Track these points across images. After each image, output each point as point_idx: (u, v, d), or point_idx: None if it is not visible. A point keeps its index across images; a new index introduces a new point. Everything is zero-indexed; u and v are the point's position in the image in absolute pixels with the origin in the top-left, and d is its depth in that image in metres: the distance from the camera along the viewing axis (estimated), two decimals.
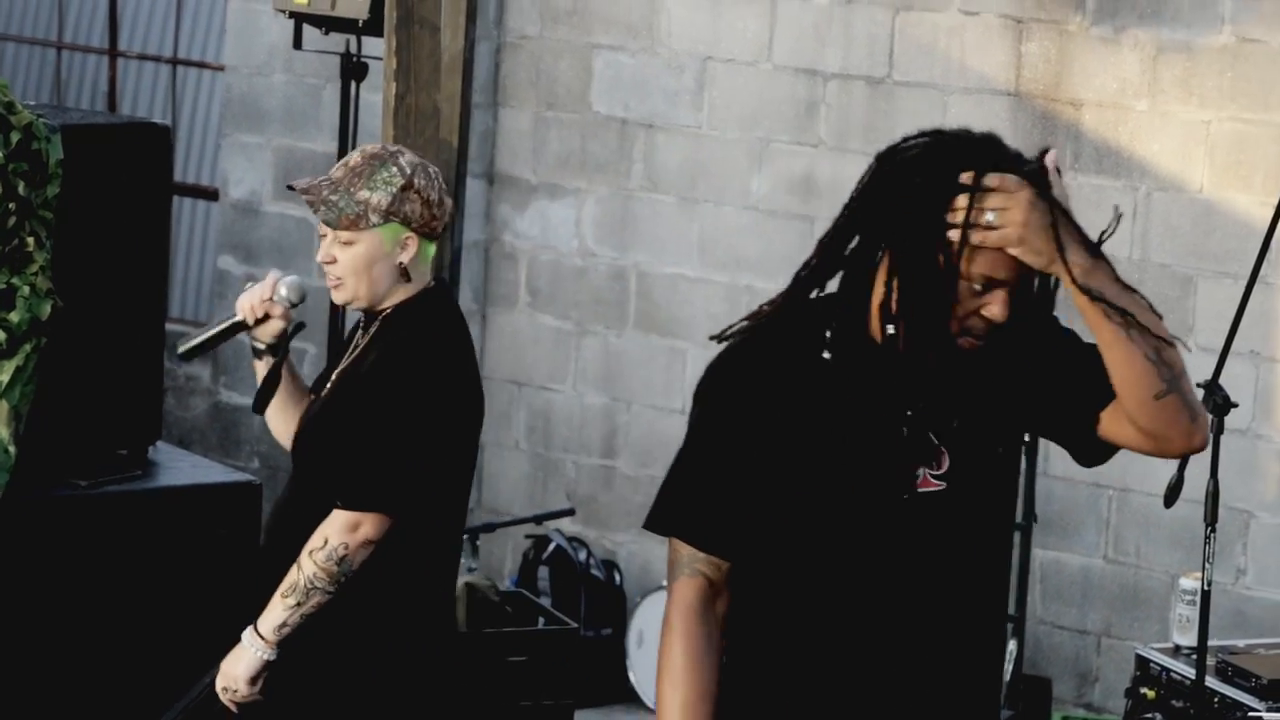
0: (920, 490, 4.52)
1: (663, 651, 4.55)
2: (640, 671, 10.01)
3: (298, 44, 7.71)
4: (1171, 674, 8.07)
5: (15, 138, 6.60)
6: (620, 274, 10.55)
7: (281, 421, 6.06)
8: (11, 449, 6.56)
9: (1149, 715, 8.13)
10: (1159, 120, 9.34)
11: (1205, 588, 7.88)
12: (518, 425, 10.89)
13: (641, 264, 10.45)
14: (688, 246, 10.31)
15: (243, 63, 11.33)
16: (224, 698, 5.81)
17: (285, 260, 11.30)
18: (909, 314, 4.39)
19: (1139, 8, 9.34)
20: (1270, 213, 7.86)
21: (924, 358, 4.41)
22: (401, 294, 5.85)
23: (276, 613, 5.76)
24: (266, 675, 5.76)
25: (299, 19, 7.55)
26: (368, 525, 5.73)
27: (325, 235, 5.79)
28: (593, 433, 10.61)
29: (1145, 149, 9.36)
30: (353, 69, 7.56)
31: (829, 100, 10.04)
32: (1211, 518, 7.76)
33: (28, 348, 6.61)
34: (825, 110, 10.05)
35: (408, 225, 5.77)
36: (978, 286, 4.36)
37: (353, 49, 7.52)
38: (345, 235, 5.77)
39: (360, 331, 5.92)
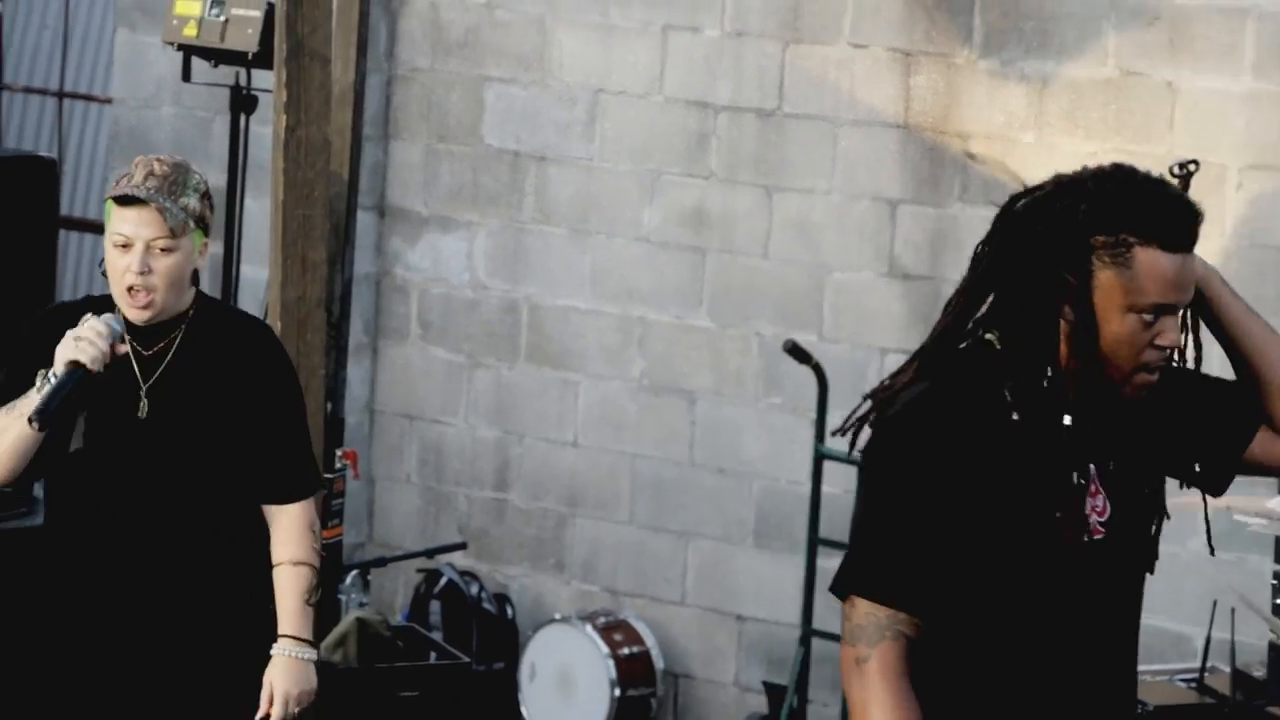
0: (1095, 539, 4.56)
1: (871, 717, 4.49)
2: (532, 705, 9.99)
3: (186, 76, 7.67)
4: None
5: None
6: (512, 306, 10.53)
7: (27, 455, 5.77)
8: None
9: None
10: (1045, 152, 9.36)
11: None
12: (409, 458, 10.85)
13: (533, 296, 10.44)
14: (579, 278, 10.30)
15: (130, 95, 11.26)
16: (291, 711, 5.88)
17: None
18: (1096, 362, 4.46)
19: (1025, 41, 9.37)
20: None
21: (1112, 405, 4.49)
22: (189, 298, 5.83)
23: (305, 615, 5.92)
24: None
25: (188, 52, 7.52)
26: (315, 505, 5.93)
27: (130, 245, 5.67)
28: (485, 465, 10.59)
29: (1032, 180, 9.37)
30: (242, 101, 7.53)
31: (719, 133, 10.04)
32: None
33: None
34: (716, 142, 10.05)
35: (205, 232, 5.75)
36: (1149, 317, 4.41)
37: (242, 81, 7.49)
38: (166, 243, 5.69)
39: (138, 342, 5.78)
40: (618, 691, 9.71)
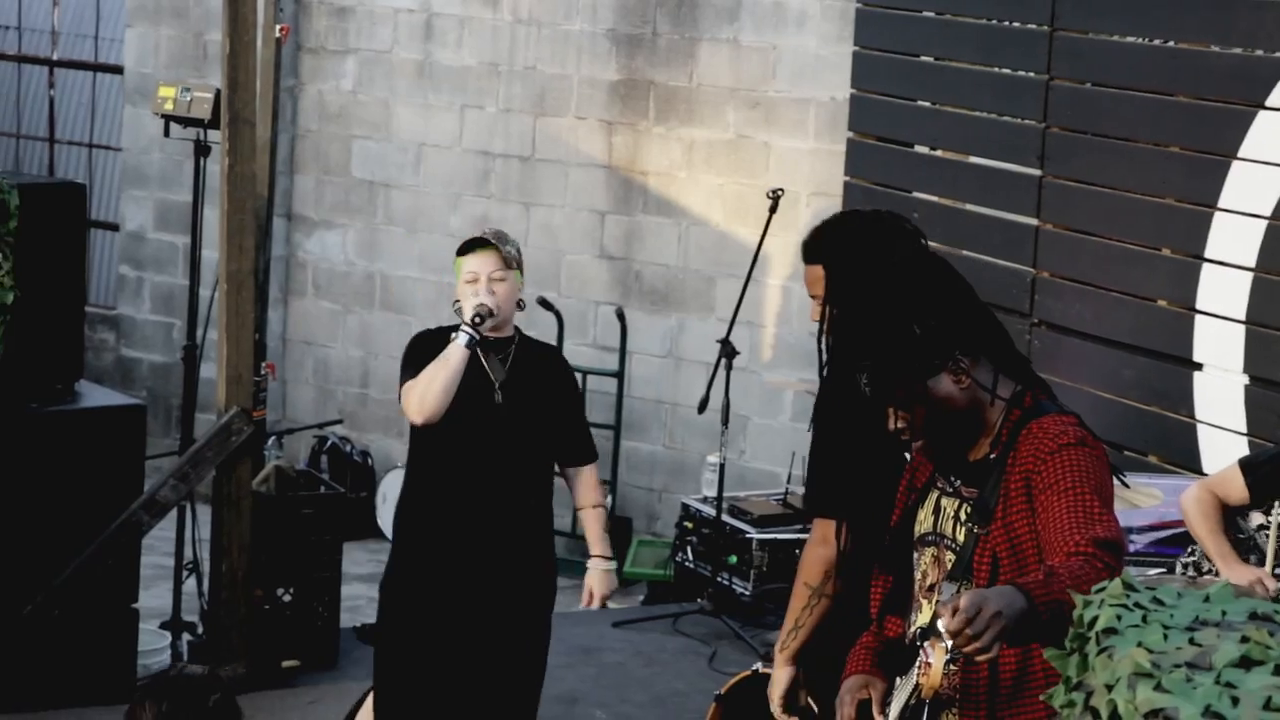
0: None
1: None
2: (384, 520, 9.98)
3: (167, 134, 7.58)
4: (702, 514, 8.21)
5: None
6: (369, 275, 10.51)
7: (446, 395, 5.14)
8: None
9: (690, 539, 8.26)
10: (693, 184, 9.47)
11: (722, 461, 8.03)
12: (307, 368, 10.80)
13: (383, 269, 10.42)
14: (411, 258, 10.30)
15: (133, 145, 11.12)
16: (596, 602, 5.38)
17: (159, 268, 11.11)
18: None
19: (679, 115, 9.46)
20: (756, 239, 8.02)
21: None
22: (513, 326, 5.31)
23: (607, 539, 5.40)
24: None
25: (167, 119, 7.44)
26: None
27: (477, 279, 5.17)
28: (353, 372, 10.58)
29: (686, 202, 9.49)
30: (201, 149, 7.45)
31: (496, 169, 10.06)
32: (725, 419, 7.90)
33: None
34: (494, 175, 10.07)
35: (521, 274, 5.28)
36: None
37: (201, 137, 7.41)
38: (501, 274, 5.18)
39: (488, 352, 5.23)
40: None
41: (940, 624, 3.04)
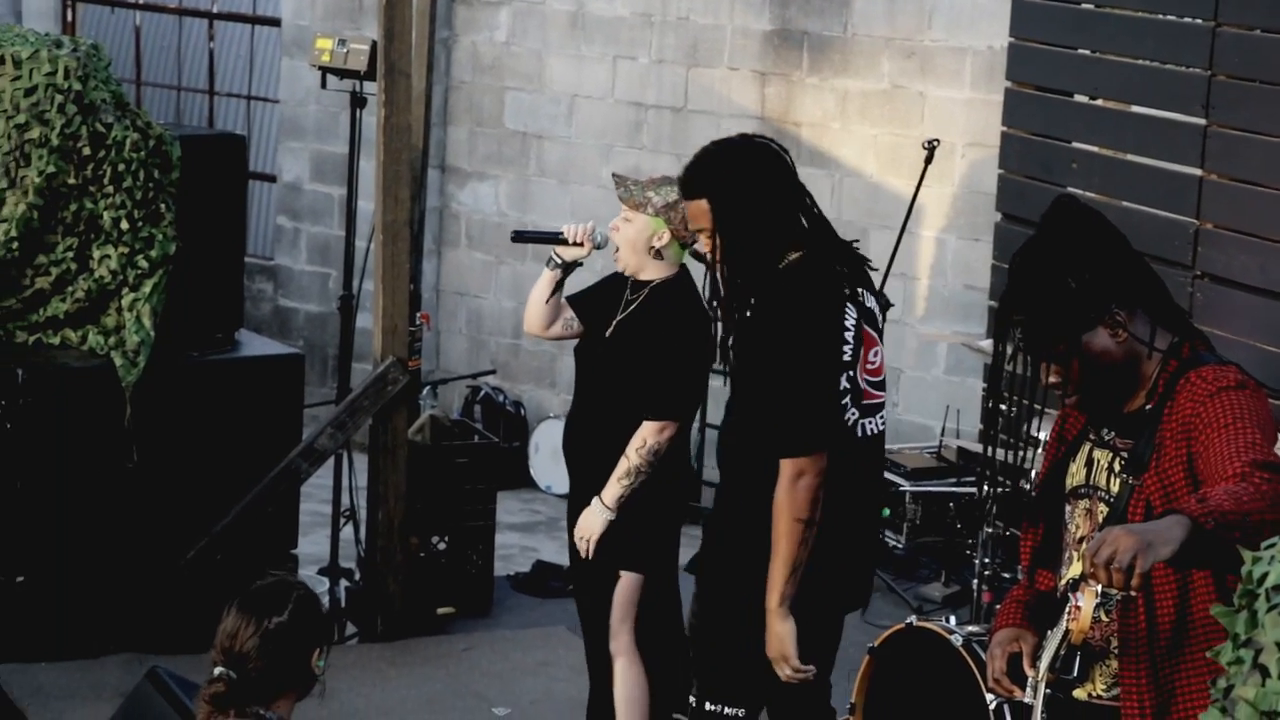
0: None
1: None
2: (537, 469, 10.05)
3: (324, 86, 7.68)
4: None
5: (151, 143, 6.60)
6: (522, 226, 10.57)
7: (539, 315, 5.56)
8: (152, 334, 6.57)
9: None
10: (846, 134, 9.43)
11: None
12: (460, 318, 10.92)
13: (535, 221, 10.48)
14: (563, 210, 10.35)
15: (290, 98, 11.27)
16: (579, 543, 5.43)
17: (316, 219, 11.27)
18: None
19: (834, 65, 9.41)
20: (910, 190, 7.98)
21: None
22: (654, 271, 5.41)
23: (615, 489, 5.36)
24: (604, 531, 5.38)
25: (324, 71, 7.52)
26: (669, 429, 5.36)
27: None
28: (506, 323, 10.66)
29: (840, 153, 9.45)
30: (357, 101, 7.53)
31: (648, 121, 10.07)
32: None
33: (161, 272, 6.61)
34: (646, 127, 10.09)
35: (667, 224, 5.35)
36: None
37: (357, 89, 7.49)
38: (628, 214, 5.40)
39: (629, 292, 5.47)
40: None
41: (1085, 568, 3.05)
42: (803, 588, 4.32)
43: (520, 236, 5.76)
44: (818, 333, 4.34)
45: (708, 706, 4.49)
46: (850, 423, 4.42)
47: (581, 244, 5.51)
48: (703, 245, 4.46)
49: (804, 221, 4.46)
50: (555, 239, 5.58)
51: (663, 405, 5.36)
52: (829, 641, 4.58)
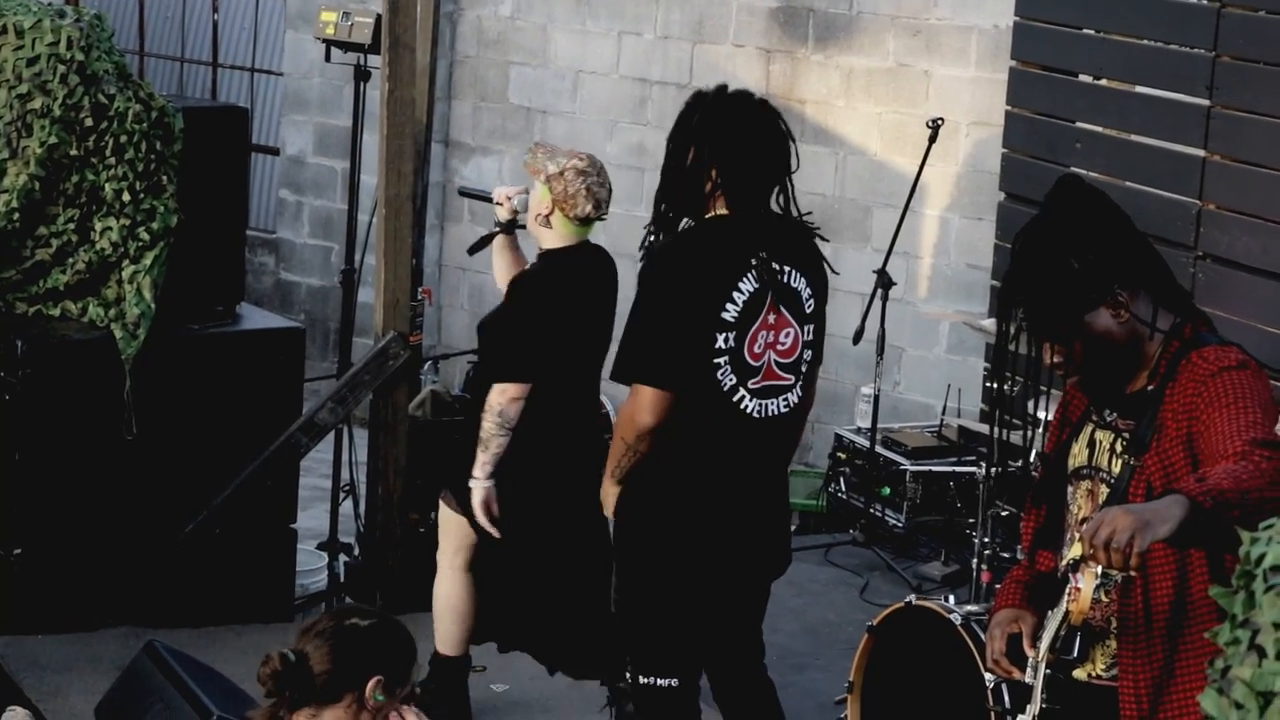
0: None
1: None
2: None
3: (328, 59, 7.66)
4: (855, 445, 8.20)
5: (154, 115, 6.58)
6: (526, 203, 10.55)
7: (501, 276, 5.72)
8: (152, 306, 6.55)
9: (843, 469, 8.25)
10: (851, 112, 9.41)
11: (876, 392, 8.01)
12: (462, 293, 10.90)
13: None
14: None
15: (295, 70, 11.26)
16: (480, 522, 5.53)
17: (319, 192, 11.25)
18: None
19: (839, 43, 9.39)
20: (914, 169, 7.96)
21: None
22: (550, 239, 5.47)
23: (477, 460, 5.40)
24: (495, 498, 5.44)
25: (328, 43, 7.50)
26: (513, 392, 5.36)
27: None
28: None
29: (844, 131, 9.43)
30: (361, 74, 7.51)
31: (653, 97, 10.06)
32: (880, 350, 7.88)
33: (162, 244, 6.58)
34: (651, 103, 10.07)
35: (551, 191, 5.42)
36: None
37: (361, 62, 7.48)
38: (529, 183, 5.50)
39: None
40: None
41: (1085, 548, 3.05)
42: (683, 553, 4.51)
43: (464, 192, 6.14)
44: (681, 281, 4.42)
45: (641, 680, 4.60)
46: (726, 388, 4.48)
47: (510, 204, 5.64)
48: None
49: (754, 187, 4.52)
50: (488, 198, 5.77)
51: (503, 367, 5.38)
52: (730, 607, 4.69)
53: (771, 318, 4.51)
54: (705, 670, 4.82)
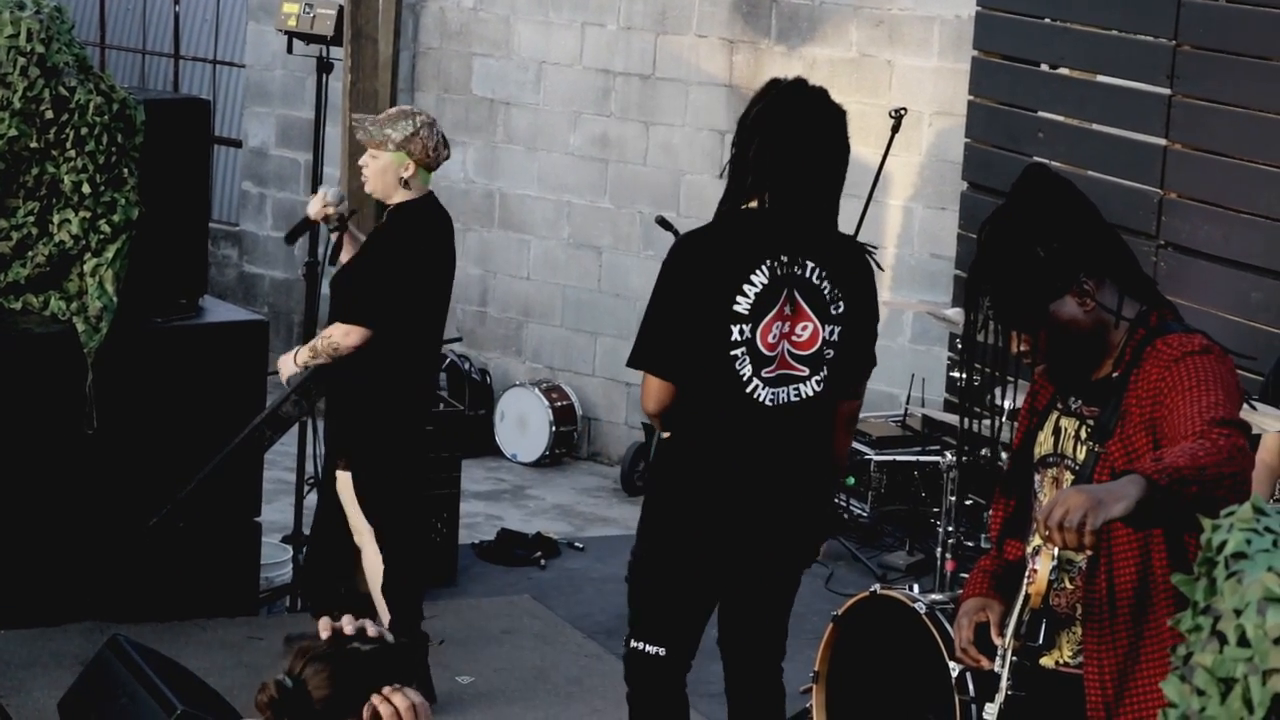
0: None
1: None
2: (502, 437, 10.03)
3: (290, 50, 7.63)
4: None
5: (115, 107, 6.53)
6: (489, 194, 10.54)
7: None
8: (115, 299, 6.52)
9: None
10: None
11: None
12: None
13: (502, 188, 10.44)
14: (530, 177, 10.31)
15: (256, 62, 11.20)
16: (282, 378, 6.09)
17: (281, 184, 11.21)
18: None
19: (801, 35, 9.38)
20: (877, 159, 7.96)
21: None
22: (400, 198, 5.86)
23: (304, 353, 5.95)
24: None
25: (290, 35, 7.48)
26: (354, 335, 5.79)
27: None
28: (473, 291, 10.62)
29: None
30: (323, 66, 7.49)
31: (617, 88, 10.04)
32: None
33: (124, 237, 6.54)
34: (614, 94, 10.05)
35: (409, 156, 5.81)
36: None
37: (324, 54, 7.44)
38: (373, 153, 5.82)
39: (382, 217, 6.02)
40: (554, 428, 9.79)
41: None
42: (691, 532, 4.60)
43: (289, 238, 6.40)
44: (691, 274, 4.57)
45: (632, 644, 4.68)
46: (744, 378, 4.55)
47: (329, 211, 6.00)
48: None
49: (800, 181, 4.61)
50: (308, 222, 6.15)
51: (352, 309, 5.79)
52: (745, 593, 4.74)
53: (788, 309, 4.55)
54: (722, 661, 4.84)
